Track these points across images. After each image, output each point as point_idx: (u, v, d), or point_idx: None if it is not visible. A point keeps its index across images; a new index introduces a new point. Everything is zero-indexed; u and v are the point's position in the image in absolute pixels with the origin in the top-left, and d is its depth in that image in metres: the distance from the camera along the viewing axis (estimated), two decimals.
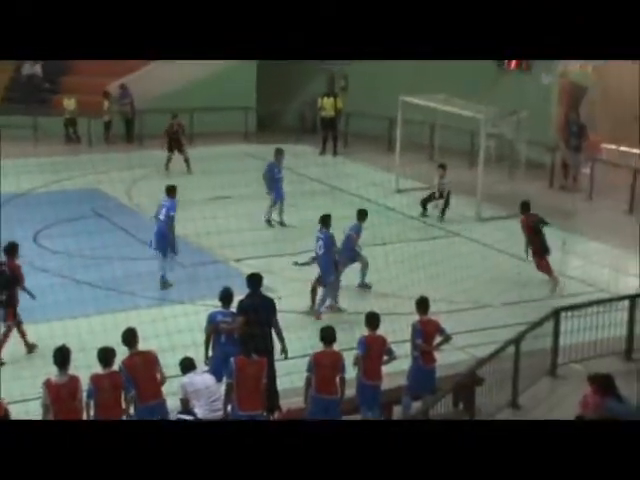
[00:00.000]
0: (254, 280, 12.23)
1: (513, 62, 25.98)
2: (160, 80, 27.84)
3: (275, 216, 19.80)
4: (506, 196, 21.64)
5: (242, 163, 24.38)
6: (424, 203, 20.99)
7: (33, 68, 29.03)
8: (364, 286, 16.32)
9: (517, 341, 11.97)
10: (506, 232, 18.84)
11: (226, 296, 12.17)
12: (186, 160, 24.07)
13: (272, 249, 17.42)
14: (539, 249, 16.75)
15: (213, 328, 11.93)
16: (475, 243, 18.92)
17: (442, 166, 20.96)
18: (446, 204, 20.75)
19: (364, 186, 20.85)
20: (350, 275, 15.97)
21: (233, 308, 12.09)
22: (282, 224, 19.69)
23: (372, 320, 11.54)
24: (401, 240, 17.72)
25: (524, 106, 21.81)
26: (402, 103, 22.48)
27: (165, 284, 16.10)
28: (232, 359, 10.75)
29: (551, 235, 18.59)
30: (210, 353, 11.92)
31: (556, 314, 12.83)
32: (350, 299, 15.31)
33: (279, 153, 20.12)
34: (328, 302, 15.31)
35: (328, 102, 27.44)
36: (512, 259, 17.69)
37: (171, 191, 16.58)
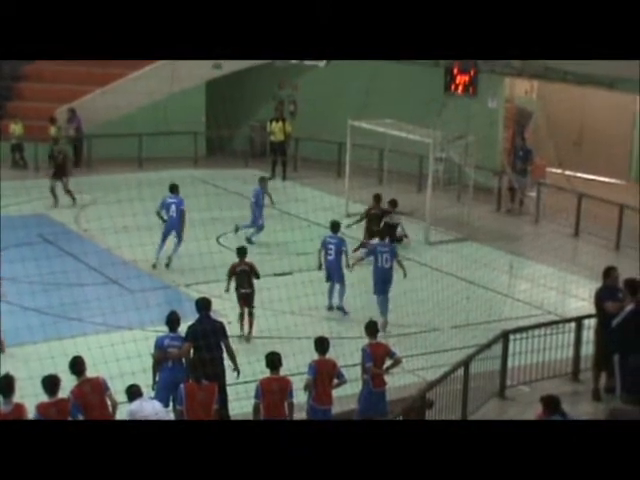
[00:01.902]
0: (203, 304, 12.21)
1: (460, 87, 26.31)
2: (108, 106, 27.60)
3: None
4: (454, 220, 21.86)
5: (191, 188, 24.25)
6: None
7: None
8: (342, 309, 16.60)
9: (466, 363, 12.06)
10: (455, 255, 19.01)
11: (172, 320, 12.10)
12: (68, 191, 23.02)
13: (221, 274, 17.34)
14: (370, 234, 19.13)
15: (161, 353, 11.84)
16: (424, 267, 19.04)
17: (393, 202, 20.74)
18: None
19: (314, 210, 20.88)
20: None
21: (182, 332, 12.04)
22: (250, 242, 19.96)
23: (322, 344, 11.55)
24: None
25: (471, 131, 22.07)
26: (351, 128, 22.64)
27: (169, 265, 18.32)
28: (182, 385, 10.68)
29: (498, 258, 18.82)
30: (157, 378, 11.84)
31: (505, 336, 12.96)
32: (299, 323, 15.27)
33: (263, 180, 20.85)
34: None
35: (277, 126, 27.50)
36: (461, 282, 17.84)
37: (175, 189, 18.87)
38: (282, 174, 26.99)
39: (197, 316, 12.24)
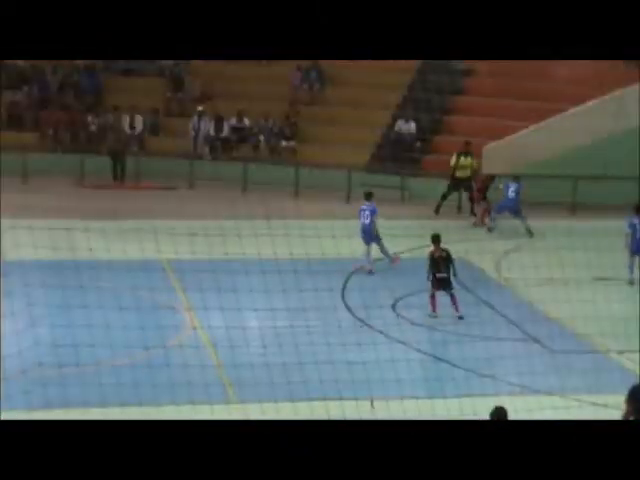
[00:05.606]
0: None
1: None
2: (540, 144, 26.27)
3: None
4: None
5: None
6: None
7: (407, 125, 28.31)
8: None
9: None
10: None
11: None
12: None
13: None
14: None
15: None
16: None
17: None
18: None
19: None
20: None
21: None
22: None
23: None
24: None
25: None
26: None
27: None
28: None
29: None
30: None
31: None
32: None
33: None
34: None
35: (466, 161, 25.08)
36: None
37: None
38: (470, 210, 24.92)
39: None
